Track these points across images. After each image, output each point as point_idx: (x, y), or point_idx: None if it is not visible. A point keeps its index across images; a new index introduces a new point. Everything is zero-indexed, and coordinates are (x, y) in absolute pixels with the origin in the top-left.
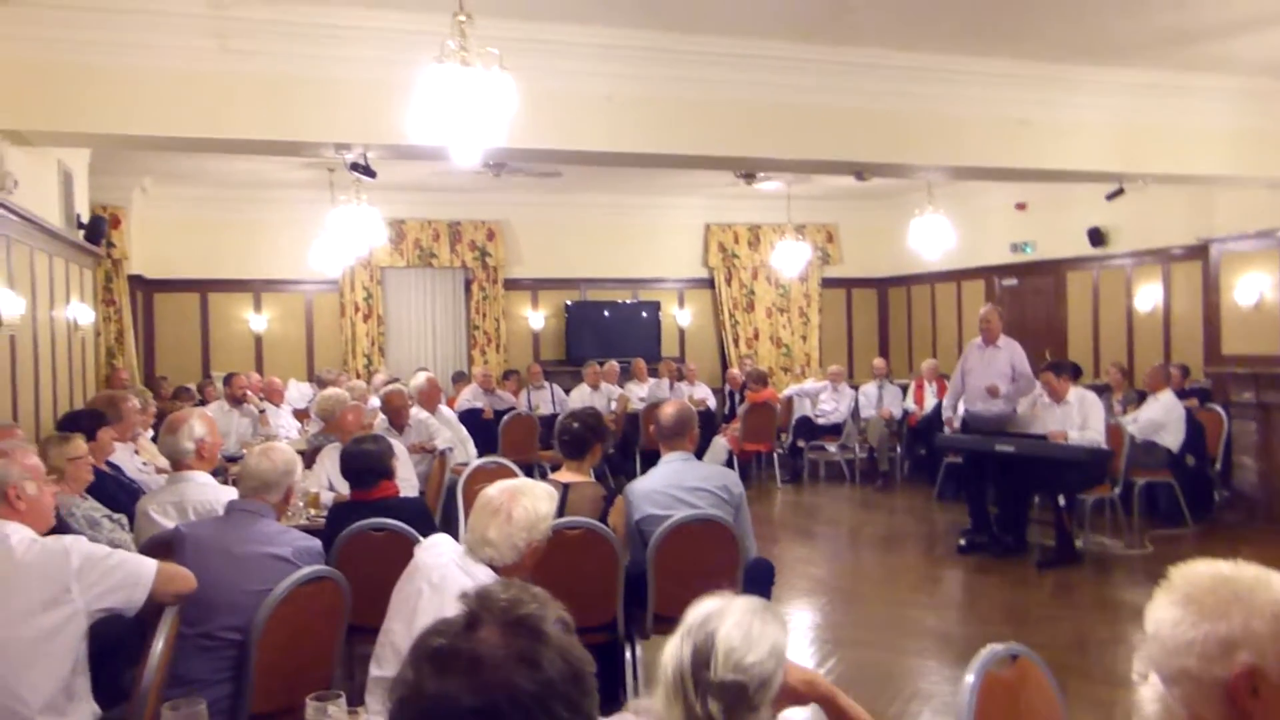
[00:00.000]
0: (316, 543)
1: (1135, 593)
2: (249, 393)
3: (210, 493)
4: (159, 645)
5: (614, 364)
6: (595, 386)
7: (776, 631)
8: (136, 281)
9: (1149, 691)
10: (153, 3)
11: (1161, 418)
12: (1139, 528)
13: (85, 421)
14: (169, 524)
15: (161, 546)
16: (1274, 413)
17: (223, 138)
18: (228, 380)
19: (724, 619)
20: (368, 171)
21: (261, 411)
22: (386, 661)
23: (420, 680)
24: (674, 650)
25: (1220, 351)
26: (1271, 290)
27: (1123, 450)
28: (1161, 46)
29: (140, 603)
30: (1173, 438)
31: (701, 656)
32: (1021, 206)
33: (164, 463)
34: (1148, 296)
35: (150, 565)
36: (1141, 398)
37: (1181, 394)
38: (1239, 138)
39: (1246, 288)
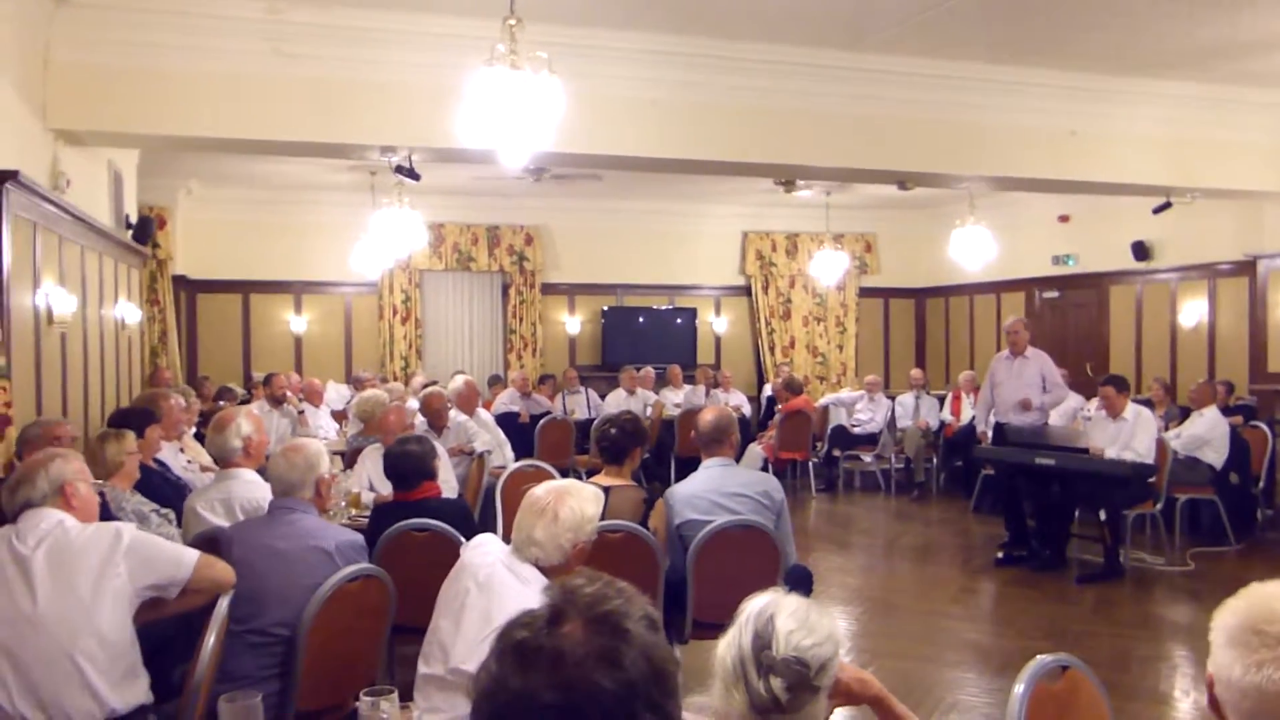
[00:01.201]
0: (358, 536)
1: (1177, 610)
2: (289, 393)
3: (257, 490)
4: (210, 640)
5: (649, 370)
6: (632, 391)
7: (831, 622)
8: (180, 282)
9: None
10: (207, 6)
11: (1205, 434)
12: (1181, 545)
13: (135, 419)
14: (217, 521)
15: (208, 543)
16: None
17: (273, 139)
18: (267, 381)
19: (781, 608)
20: (412, 174)
21: (301, 412)
22: (434, 659)
23: (503, 675)
24: (732, 640)
25: (1266, 369)
26: None
27: (1166, 466)
28: (1211, 59)
29: (182, 583)
30: (1216, 455)
31: (763, 639)
32: (1064, 219)
33: (208, 460)
34: (1192, 312)
35: (192, 552)
36: (1184, 414)
37: (1226, 411)
38: None
39: None
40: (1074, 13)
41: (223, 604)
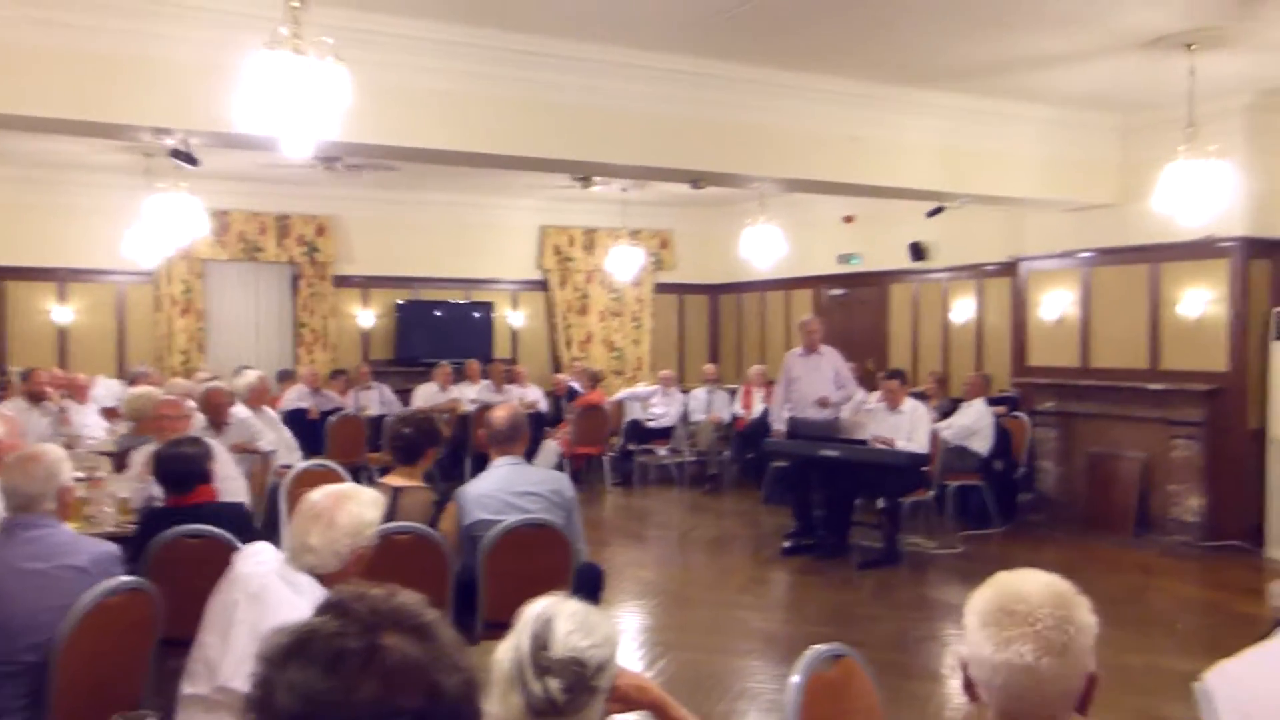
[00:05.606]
0: (114, 547)
1: (949, 591)
2: (49, 389)
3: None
4: None
5: (446, 365)
6: (444, 387)
7: (610, 625)
8: None
9: None
10: None
11: (973, 424)
12: (952, 529)
13: None
14: None
15: None
16: (1073, 421)
17: (27, 115)
18: (26, 376)
19: (559, 610)
20: (190, 159)
21: (62, 410)
22: (199, 677)
23: (345, 685)
24: (510, 644)
25: (1026, 362)
26: (1072, 306)
27: (938, 455)
28: (982, 74)
29: None
30: (983, 443)
31: (540, 641)
32: (849, 219)
33: None
34: (963, 310)
35: None
36: (954, 405)
37: (991, 402)
38: (1047, 163)
39: (1050, 304)
40: (855, 24)
41: None
